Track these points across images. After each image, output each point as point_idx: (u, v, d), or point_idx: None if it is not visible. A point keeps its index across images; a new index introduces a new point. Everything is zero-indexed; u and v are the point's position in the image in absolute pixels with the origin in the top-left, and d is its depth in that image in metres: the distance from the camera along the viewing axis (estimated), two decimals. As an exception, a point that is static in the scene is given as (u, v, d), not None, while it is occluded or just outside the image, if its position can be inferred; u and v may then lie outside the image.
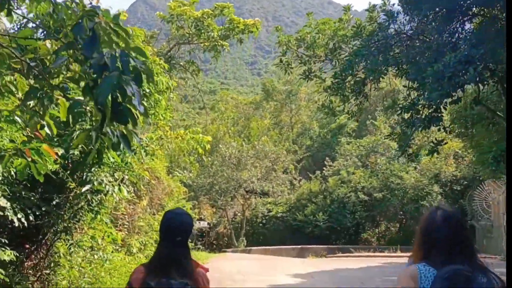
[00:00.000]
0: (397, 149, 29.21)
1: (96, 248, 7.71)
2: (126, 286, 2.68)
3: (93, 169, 5.31)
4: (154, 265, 2.66)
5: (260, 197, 26.11)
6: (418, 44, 8.43)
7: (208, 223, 23.95)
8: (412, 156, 10.63)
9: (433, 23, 8.08)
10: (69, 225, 5.70)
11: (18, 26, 6.33)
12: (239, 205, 25.09)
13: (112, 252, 8.65)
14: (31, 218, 4.87)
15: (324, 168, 28.91)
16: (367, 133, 31.05)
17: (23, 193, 4.93)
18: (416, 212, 25.51)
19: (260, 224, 26.88)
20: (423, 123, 7.90)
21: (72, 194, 5.39)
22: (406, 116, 8.92)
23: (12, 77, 2.98)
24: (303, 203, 26.82)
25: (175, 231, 2.70)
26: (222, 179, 22.19)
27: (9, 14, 2.83)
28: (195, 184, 21.80)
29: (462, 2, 8.01)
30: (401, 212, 27.10)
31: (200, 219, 24.03)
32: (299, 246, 23.58)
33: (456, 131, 18.29)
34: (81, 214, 5.75)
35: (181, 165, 22.90)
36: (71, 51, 2.54)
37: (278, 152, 23.62)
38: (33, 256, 5.77)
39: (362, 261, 16.83)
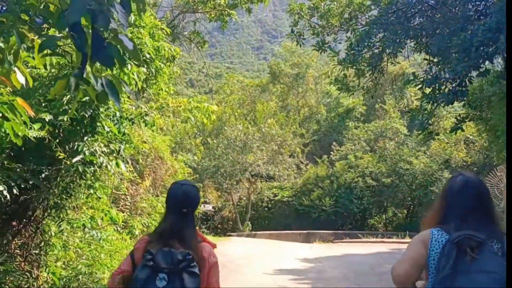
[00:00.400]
0: (407, 133, 28.78)
1: (93, 228, 7.26)
2: (128, 254, 2.67)
3: (85, 138, 4.82)
4: (157, 235, 2.64)
5: (266, 181, 25.66)
6: (440, 15, 7.82)
7: (213, 207, 23.57)
8: (433, 135, 9.98)
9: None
10: (61, 201, 5.23)
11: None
12: (245, 189, 24.67)
13: (113, 233, 8.21)
14: (15, 191, 4.40)
15: (331, 152, 28.41)
16: (376, 118, 30.42)
17: (5, 163, 4.44)
18: (425, 198, 25.01)
19: (266, 209, 26.49)
20: (446, 98, 7.32)
21: (63, 166, 4.90)
22: (427, 90, 8.29)
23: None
24: (309, 187, 26.38)
25: (180, 203, 2.67)
26: (227, 162, 21.72)
27: None
28: (199, 167, 21.35)
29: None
30: (409, 198, 26.59)
31: (205, 203, 23.66)
32: (305, 231, 23.18)
33: (471, 114, 17.79)
34: (73, 188, 5.27)
35: (186, 147, 22.47)
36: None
37: (285, 135, 23.05)
38: (20, 234, 5.32)
39: (370, 246, 16.40)
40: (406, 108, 30.87)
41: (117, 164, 4.72)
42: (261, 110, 24.07)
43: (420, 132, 9.67)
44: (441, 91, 7.46)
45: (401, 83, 33.19)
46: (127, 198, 10.35)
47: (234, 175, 22.29)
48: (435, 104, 8.13)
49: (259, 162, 21.90)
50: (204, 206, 21.23)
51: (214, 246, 2.79)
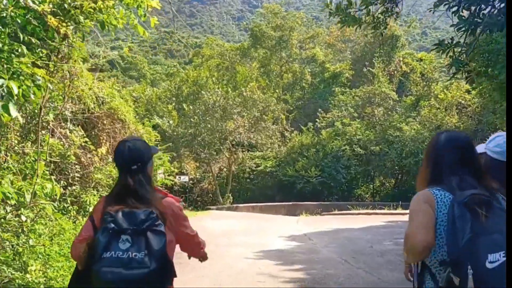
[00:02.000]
0: (397, 98, 27.23)
1: (21, 205, 5.52)
2: (87, 218, 2.55)
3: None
4: (113, 195, 2.53)
5: (248, 150, 23.97)
6: None
7: (191, 178, 21.82)
8: (473, 74, 7.96)
9: None
10: None
11: None
12: (225, 159, 22.94)
13: (53, 212, 6.37)
14: None
15: (317, 119, 26.81)
16: (363, 83, 28.75)
17: None
18: (415, 166, 23.66)
19: (248, 180, 24.92)
20: (493, 22, 5.45)
21: None
22: (462, 14, 6.39)
23: None
24: (293, 157, 24.82)
25: (127, 159, 2.55)
26: (205, 130, 19.86)
27: None
28: (175, 134, 19.45)
29: None
30: (398, 167, 25.26)
31: (181, 173, 21.92)
32: (290, 203, 21.68)
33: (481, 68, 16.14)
34: None
35: (159, 113, 20.50)
36: None
37: (268, 100, 21.22)
38: None
39: (362, 219, 14.94)
40: (395, 72, 29.30)
41: (3, 108, 2.93)
42: (242, 73, 22.08)
43: (454, 72, 7.60)
44: (484, 14, 5.66)
45: (389, 47, 31.53)
46: (76, 168, 8.49)
47: (213, 144, 20.49)
48: (478, 31, 6.29)
49: (240, 129, 20.08)
50: (179, 177, 19.45)
51: (177, 200, 2.67)
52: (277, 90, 24.40)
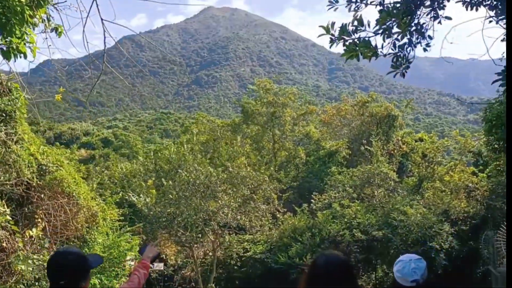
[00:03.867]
0: (397, 179, 25.35)
1: None
2: None
3: None
4: None
5: (235, 233, 21.54)
6: None
7: (167, 264, 19.17)
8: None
9: None
10: None
11: None
12: (209, 242, 20.43)
13: None
14: None
15: (312, 200, 24.65)
16: (361, 162, 27.02)
17: None
18: (423, 256, 21.13)
19: (235, 267, 22.18)
20: None
21: None
22: None
23: None
24: (286, 241, 22.30)
25: (54, 274, 2.42)
26: (186, 209, 17.63)
27: None
28: (151, 213, 17.19)
29: None
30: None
31: (162, 259, 19.36)
32: (282, 295, 18.92)
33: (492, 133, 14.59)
34: None
35: (135, 189, 18.36)
36: None
37: (258, 178, 19.23)
38: None
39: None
40: (394, 152, 27.71)
41: None
42: (225, 147, 20.27)
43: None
44: None
45: (386, 126, 30.32)
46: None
47: (195, 226, 18.13)
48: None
49: (225, 209, 17.84)
50: (153, 264, 16.87)
51: None
52: (271, 168, 22.48)
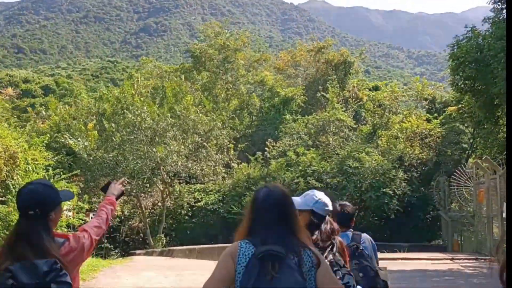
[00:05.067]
0: (354, 126, 24.92)
1: None
2: None
3: None
4: (8, 246, 2.34)
5: (186, 182, 20.47)
6: None
7: (117, 215, 17.92)
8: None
9: None
10: None
11: None
12: (158, 192, 19.27)
13: None
14: None
15: (266, 149, 23.85)
16: (317, 109, 26.31)
17: None
18: (377, 201, 21.11)
19: (186, 217, 21.28)
20: None
21: None
22: None
23: None
24: (239, 191, 21.52)
25: (25, 203, 2.40)
26: (131, 155, 16.24)
27: None
28: (91, 159, 15.66)
29: None
30: (358, 201, 22.62)
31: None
32: (235, 245, 18.20)
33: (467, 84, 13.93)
34: None
35: (74, 133, 16.68)
36: None
37: (211, 124, 18.00)
38: None
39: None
40: (350, 100, 27.14)
41: None
42: (172, 88, 18.72)
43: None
44: None
45: (341, 73, 29.57)
46: None
47: (142, 173, 16.83)
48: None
49: (174, 157, 16.61)
50: (92, 214, 15.57)
51: (79, 232, 2.59)
52: (223, 113, 21.24)
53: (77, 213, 12.57)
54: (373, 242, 4.01)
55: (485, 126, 14.60)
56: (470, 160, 22.67)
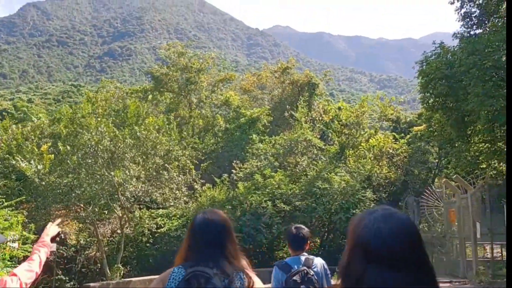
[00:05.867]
0: (322, 147, 24.47)
1: None
2: None
3: None
4: None
5: (147, 207, 19.33)
6: None
7: (66, 245, 16.57)
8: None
9: None
10: None
11: None
12: (117, 218, 18.06)
13: None
14: None
15: (233, 171, 23.01)
16: (284, 129, 25.79)
17: None
18: (346, 223, 20.49)
19: (147, 244, 20.05)
20: None
21: None
22: None
23: None
24: (204, 215, 20.51)
25: None
26: (88, 179, 15.08)
27: None
28: (43, 184, 14.41)
29: None
30: (326, 224, 21.99)
31: (62, 240, 16.71)
32: (200, 273, 17.10)
33: (436, 102, 13.61)
34: None
35: (26, 156, 15.39)
36: None
37: (169, 144, 17.07)
38: None
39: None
40: (317, 120, 26.81)
41: None
42: (134, 108, 17.76)
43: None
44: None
45: (307, 94, 29.32)
46: None
47: (98, 199, 15.65)
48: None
49: (134, 181, 15.55)
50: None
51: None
52: (184, 132, 20.32)
53: (23, 243, 11.33)
54: (326, 267, 3.90)
55: (456, 145, 14.28)
56: (436, 180, 22.58)
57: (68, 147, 14.65)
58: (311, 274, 3.68)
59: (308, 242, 4.00)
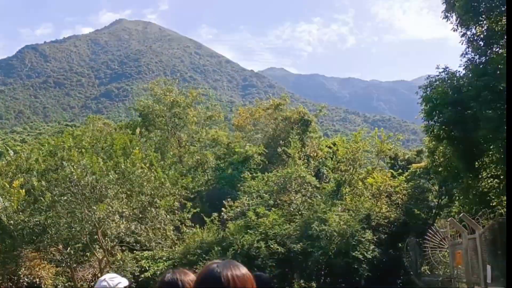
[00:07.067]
0: (317, 185, 23.35)
1: None
2: None
3: None
4: None
5: (130, 249, 17.96)
6: None
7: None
8: None
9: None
10: None
11: None
12: (97, 261, 16.66)
13: None
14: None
15: (223, 209, 21.76)
16: (277, 167, 24.74)
17: None
18: (346, 267, 19.17)
19: (131, 290, 18.55)
20: None
21: None
22: None
23: None
24: (191, 259, 18.99)
25: None
26: (65, 217, 13.86)
27: None
28: (12, 223, 13.15)
29: None
30: (323, 267, 20.58)
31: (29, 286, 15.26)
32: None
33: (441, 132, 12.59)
34: None
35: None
36: None
37: (156, 182, 15.98)
38: None
39: None
40: (312, 157, 25.85)
41: None
42: (120, 141, 16.77)
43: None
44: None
45: (300, 130, 28.49)
46: None
47: (76, 240, 14.36)
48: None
49: (116, 218, 14.35)
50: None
51: None
52: (172, 169, 19.26)
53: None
54: None
55: (463, 180, 13.15)
56: (437, 221, 21.44)
57: (43, 183, 13.53)
58: None
59: None
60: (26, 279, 15.45)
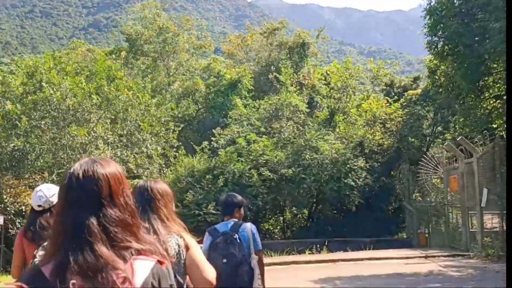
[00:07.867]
0: (307, 111, 22.74)
1: None
2: None
3: None
4: None
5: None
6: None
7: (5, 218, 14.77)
8: None
9: None
10: None
11: None
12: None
13: None
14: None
15: (213, 138, 21.18)
16: (269, 95, 23.93)
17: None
18: (337, 193, 19.04)
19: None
20: None
21: None
22: None
23: None
24: (181, 187, 18.65)
25: None
26: (47, 143, 13.23)
27: None
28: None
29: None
30: (315, 194, 20.48)
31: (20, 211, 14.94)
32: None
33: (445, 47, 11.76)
34: None
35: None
36: None
37: (146, 103, 15.22)
38: None
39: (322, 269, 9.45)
40: (305, 84, 25.00)
41: None
42: (103, 65, 15.79)
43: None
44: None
45: (297, 55, 27.32)
46: None
47: (57, 167, 13.83)
48: None
49: (100, 143, 13.74)
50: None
51: None
52: (160, 97, 18.44)
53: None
54: (254, 231, 4.07)
55: (465, 101, 12.47)
56: (431, 149, 21.10)
57: (19, 106, 12.75)
58: (235, 237, 3.85)
59: (239, 208, 4.16)
60: (13, 207, 15.14)
